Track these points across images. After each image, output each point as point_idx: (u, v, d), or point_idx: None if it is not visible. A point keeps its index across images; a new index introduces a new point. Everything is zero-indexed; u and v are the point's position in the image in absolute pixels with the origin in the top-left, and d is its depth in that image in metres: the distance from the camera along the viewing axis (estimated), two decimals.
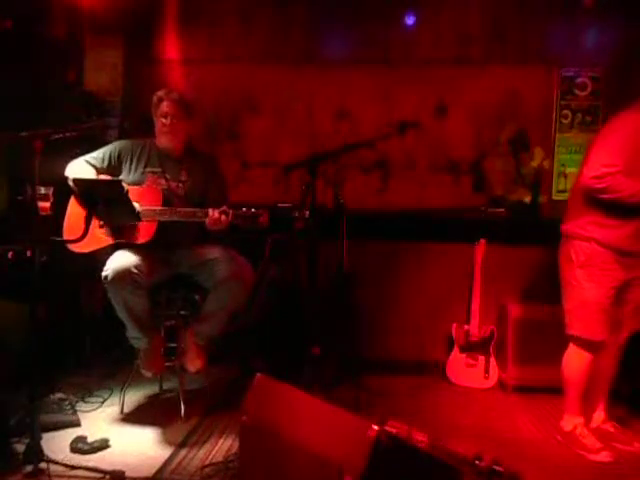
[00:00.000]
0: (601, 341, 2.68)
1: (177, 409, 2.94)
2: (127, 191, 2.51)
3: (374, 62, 4.01)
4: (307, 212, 2.80)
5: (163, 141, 3.03)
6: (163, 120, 2.97)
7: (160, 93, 3.00)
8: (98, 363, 3.52)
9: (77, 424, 2.78)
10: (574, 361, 2.74)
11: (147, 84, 3.77)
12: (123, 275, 2.69)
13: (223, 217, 2.74)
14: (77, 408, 2.92)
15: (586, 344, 2.68)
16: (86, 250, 2.82)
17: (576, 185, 2.78)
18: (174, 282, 2.99)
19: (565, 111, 3.98)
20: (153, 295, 2.89)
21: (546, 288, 3.77)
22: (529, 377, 3.53)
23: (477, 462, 2.39)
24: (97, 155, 3.02)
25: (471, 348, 3.65)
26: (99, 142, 3.25)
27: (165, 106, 2.97)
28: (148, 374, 2.94)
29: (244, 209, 2.75)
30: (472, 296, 3.71)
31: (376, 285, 3.95)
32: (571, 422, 2.78)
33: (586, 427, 2.78)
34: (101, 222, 2.83)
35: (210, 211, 2.77)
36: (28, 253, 2.38)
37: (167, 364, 2.99)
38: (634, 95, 2.72)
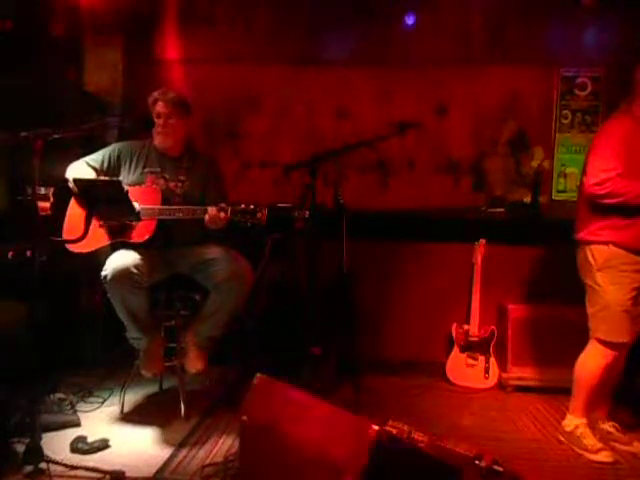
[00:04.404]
0: (625, 342, 2.67)
1: (177, 409, 2.94)
2: (127, 191, 2.52)
3: (374, 62, 4.01)
4: (307, 212, 2.80)
5: (158, 141, 3.04)
6: (157, 120, 2.98)
7: (155, 94, 3.01)
8: (98, 363, 3.52)
9: (77, 424, 2.78)
10: (591, 363, 2.73)
11: (147, 84, 3.76)
12: (123, 275, 2.69)
13: (222, 214, 2.75)
14: (77, 408, 2.92)
15: (610, 346, 2.67)
16: (86, 250, 2.82)
17: (581, 195, 2.80)
18: (174, 282, 2.99)
19: (565, 111, 3.98)
20: (153, 295, 2.89)
21: (546, 288, 3.79)
22: (529, 377, 3.53)
23: (477, 462, 2.39)
24: (97, 157, 3.03)
25: (471, 348, 3.65)
26: (99, 142, 3.25)
27: (159, 106, 2.98)
28: (148, 374, 2.94)
29: (242, 205, 2.75)
30: (472, 296, 3.71)
31: (376, 285, 3.95)
32: (573, 422, 2.78)
33: (587, 427, 2.78)
34: (101, 222, 2.83)
35: (209, 209, 2.77)
36: (28, 253, 2.38)
37: (167, 364, 2.99)
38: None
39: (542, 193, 3.99)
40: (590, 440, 2.71)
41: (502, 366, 3.61)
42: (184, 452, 2.58)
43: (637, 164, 2.60)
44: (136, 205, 2.70)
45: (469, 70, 3.99)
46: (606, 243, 2.67)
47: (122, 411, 3.00)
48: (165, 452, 2.57)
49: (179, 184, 3.03)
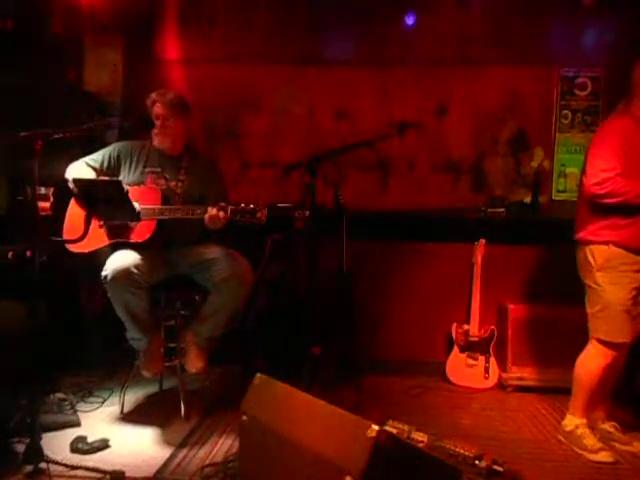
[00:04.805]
0: (625, 342, 2.67)
1: (177, 409, 2.94)
2: (127, 191, 2.51)
3: (374, 62, 4.01)
4: (307, 212, 2.80)
5: (157, 141, 3.05)
6: (156, 122, 2.98)
7: (153, 95, 3.01)
8: (98, 363, 3.52)
9: (77, 424, 2.78)
10: (590, 364, 2.73)
11: (147, 84, 3.76)
12: (123, 275, 2.69)
13: (221, 213, 2.75)
14: (77, 408, 2.92)
15: (610, 347, 2.67)
16: (86, 250, 2.82)
17: (580, 195, 2.81)
18: (174, 282, 2.99)
19: (565, 111, 3.98)
20: (153, 295, 2.89)
21: (546, 288, 3.78)
22: (529, 377, 3.54)
23: (477, 462, 2.40)
24: (97, 157, 3.04)
25: (471, 348, 3.65)
26: (99, 142, 3.25)
27: (157, 108, 2.98)
28: (148, 374, 2.94)
29: (242, 205, 2.75)
30: (472, 296, 3.71)
31: (376, 285, 3.95)
32: (573, 422, 2.79)
33: (587, 427, 2.78)
34: (101, 222, 2.83)
35: (209, 208, 2.78)
36: (28, 253, 2.38)
37: (167, 364, 2.99)
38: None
39: (542, 193, 3.99)
40: (590, 440, 2.71)
41: (502, 366, 3.61)
42: (184, 452, 2.58)
43: (637, 164, 2.61)
44: (136, 205, 2.70)
45: (469, 70, 3.99)
46: (606, 243, 2.67)
47: (122, 411, 3.01)
48: (165, 452, 2.57)
49: (179, 184, 3.03)
